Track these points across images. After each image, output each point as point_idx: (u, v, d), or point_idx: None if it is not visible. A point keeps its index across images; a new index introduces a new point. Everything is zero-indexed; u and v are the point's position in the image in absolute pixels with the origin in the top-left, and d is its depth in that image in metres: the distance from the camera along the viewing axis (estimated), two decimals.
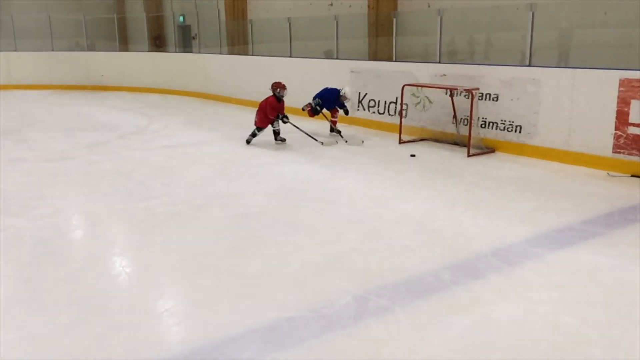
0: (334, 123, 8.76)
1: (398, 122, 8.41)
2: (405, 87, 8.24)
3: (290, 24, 11.26)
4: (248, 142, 8.13)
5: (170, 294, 3.67)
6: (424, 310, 3.30)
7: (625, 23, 7.61)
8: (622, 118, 6.15)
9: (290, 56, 11.33)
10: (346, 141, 8.19)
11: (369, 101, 9.44)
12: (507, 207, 5.20)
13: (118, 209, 5.33)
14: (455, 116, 7.96)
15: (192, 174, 6.59)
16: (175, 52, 16.80)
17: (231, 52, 14.44)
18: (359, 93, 9.59)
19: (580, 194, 5.54)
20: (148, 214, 5.12)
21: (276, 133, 8.14)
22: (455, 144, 7.90)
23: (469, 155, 7.25)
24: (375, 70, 9.34)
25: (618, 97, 6.15)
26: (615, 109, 6.17)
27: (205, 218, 5.03)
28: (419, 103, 8.61)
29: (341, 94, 8.53)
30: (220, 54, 14.27)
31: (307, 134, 8.22)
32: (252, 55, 12.82)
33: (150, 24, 17.39)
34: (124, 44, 18.38)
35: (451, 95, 7.85)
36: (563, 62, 8.45)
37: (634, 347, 2.88)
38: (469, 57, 10.14)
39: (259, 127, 8.11)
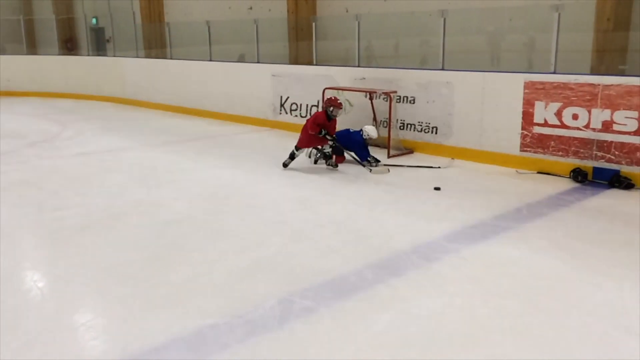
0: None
1: None
2: (327, 90, 8.35)
3: (209, 27, 11.12)
4: (285, 165, 6.82)
5: (87, 307, 3.51)
6: (348, 309, 3.36)
7: (529, 29, 8.11)
8: (527, 118, 6.54)
9: (210, 60, 11.18)
10: (336, 166, 6.82)
11: (291, 105, 9.48)
12: (425, 206, 5.39)
13: (28, 221, 5.04)
14: (375, 118, 8.15)
15: (109, 182, 6.35)
16: (89, 55, 16.10)
17: (148, 56, 14.04)
18: (281, 97, 9.61)
19: (492, 191, 5.83)
20: (61, 225, 4.89)
21: (326, 156, 6.84)
22: (376, 145, 8.08)
23: (389, 157, 7.45)
24: (297, 74, 9.40)
25: (523, 99, 6.54)
26: (521, 110, 6.56)
27: (124, 227, 4.86)
28: None
29: (364, 137, 6.95)
30: (137, 57, 13.84)
31: (355, 159, 6.83)
32: (171, 59, 12.53)
33: (60, 26, 16.57)
34: (32, 47, 17.40)
35: (371, 98, 8.04)
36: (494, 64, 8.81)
37: (541, 334, 3.07)
38: (386, 61, 10.43)
39: (298, 148, 6.79)
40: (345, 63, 9.46)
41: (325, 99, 6.71)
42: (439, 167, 6.81)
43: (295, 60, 11.44)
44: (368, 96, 8.09)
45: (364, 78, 8.31)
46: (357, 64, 8.69)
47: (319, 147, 6.89)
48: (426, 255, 4.15)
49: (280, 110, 9.66)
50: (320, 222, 4.95)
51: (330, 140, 6.66)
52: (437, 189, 5.78)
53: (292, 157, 6.84)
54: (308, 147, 6.84)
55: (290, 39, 11.68)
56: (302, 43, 11.24)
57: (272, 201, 5.59)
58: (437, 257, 4.13)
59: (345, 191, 5.93)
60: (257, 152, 7.99)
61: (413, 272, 3.87)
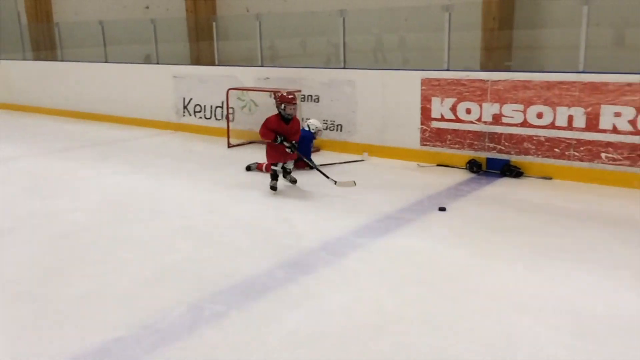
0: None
1: (226, 127, 8.39)
2: (230, 91, 8.26)
3: (103, 27, 10.61)
4: (274, 188, 5.77)
5: None
6: (259, 311, 3.34)
7: (422, 28, 8.46)
8: (425, 114, 6.83)
9: (106, 61, 10.67)
10: (335, 182, 5.71)
11: (195, 106, 9.27)
12: (333, 203, 5.47)
13: None
14: None
15: None
16: None
17: (37, 58, 13.16)
18: (184, 99, 9.38)
19: (395, 184, 6.03)
20: None
21: (286, 171, 5.89)
22: None
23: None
24: (199, 74, 9.20)
25: (421, 95, 6.82)
26: (420, 106, 6.84)
27: (15, 242, 4.52)
28: (245, 106, 8.68)
29: (312, 130, 6.81)
30: (25, 60, 12.93)
31: (319, 169, 5.96)
32: (62, 60, 11.82)
33: None
34: None
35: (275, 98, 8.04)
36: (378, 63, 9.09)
37: (445, 319, 3.22)
38: (290, 60, 10.47)
39: (274, 163, 5.77)
40: (248, 63, 9.40)
41: (278, 96, 5.68)
42: (363, 160, 6.97)
43: (197, 60, 11.20)
44: (273, 96, 8.08)
45: (268, 78, 8.30)
46: (260, 64, 8.66)
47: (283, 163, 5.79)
48: (335, 251, 4.22)
49: (184, 112, 9.42)
50: (229, 224, 4.88)
51: (289, 147, 5.58)
52: (442, 209, 5.07)
53: (274, 177, 5.81)
54: (281, 161, 5.73)
55: (190, 39, 11.41)
56: (203, 43, 11.02)
57: (178, 206, 5.44)
58: (345, 252, 4.21)
59: (253, 192, 5.89)
60: (160, 156, 7.75)
61: (323, 269, 3.92)
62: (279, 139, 5.56)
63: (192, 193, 5.89)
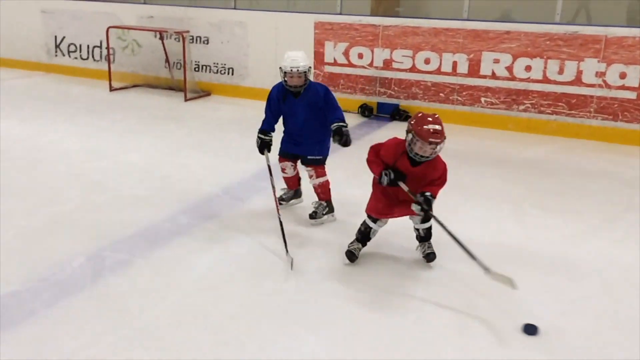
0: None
1: (106, 68, 7.81)
2: (110, 30, 7.66)
3: None
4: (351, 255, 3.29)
5: None
6: (166, 257, 3.26)
7: None
8: (319, 58, 6.84)
9: None
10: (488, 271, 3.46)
11: (69, 45, 8.50)
12: (230, 147, 5.38)
13: None
14: (167, 60, 7.77)
15: None
16: None
17: None
18: (55, 37, 8.55)
19: None
20: None
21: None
22: (171, 88, 7.76)
23: (186, 100, 7.22)
24: (72, 10, 8.38)
25: (315, 39, 6.80)
26: (313, 49, 6.83)
27: None
28: (126, 47, 8.12)
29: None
30: None
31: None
32: None
33: None
34: None
35: (161, 38, 7.61)
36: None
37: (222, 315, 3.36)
38: None
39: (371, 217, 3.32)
40: None
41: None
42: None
43: None
44: (158, 36, 7.64)
45: (152, 17, 7.80)
46: (143, 1, 8.09)
47: None
48: (238, 195, 4.19)
49: (56, 52, 8.61)
50: (122, 171, 4.64)
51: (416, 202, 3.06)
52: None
53: (364, 237, 3.34)
54: (385, 215, 3.26)
55: None
56: None
57: (63, 153, 5.04)
58: (248, 196, 4.19)
59: (144, 137, 5.62)
60: (33, 99, 7.08)
61: (227, 213, 3.89)
62: (384, 178, 3.10)
63: (76, 140, 5.48)
